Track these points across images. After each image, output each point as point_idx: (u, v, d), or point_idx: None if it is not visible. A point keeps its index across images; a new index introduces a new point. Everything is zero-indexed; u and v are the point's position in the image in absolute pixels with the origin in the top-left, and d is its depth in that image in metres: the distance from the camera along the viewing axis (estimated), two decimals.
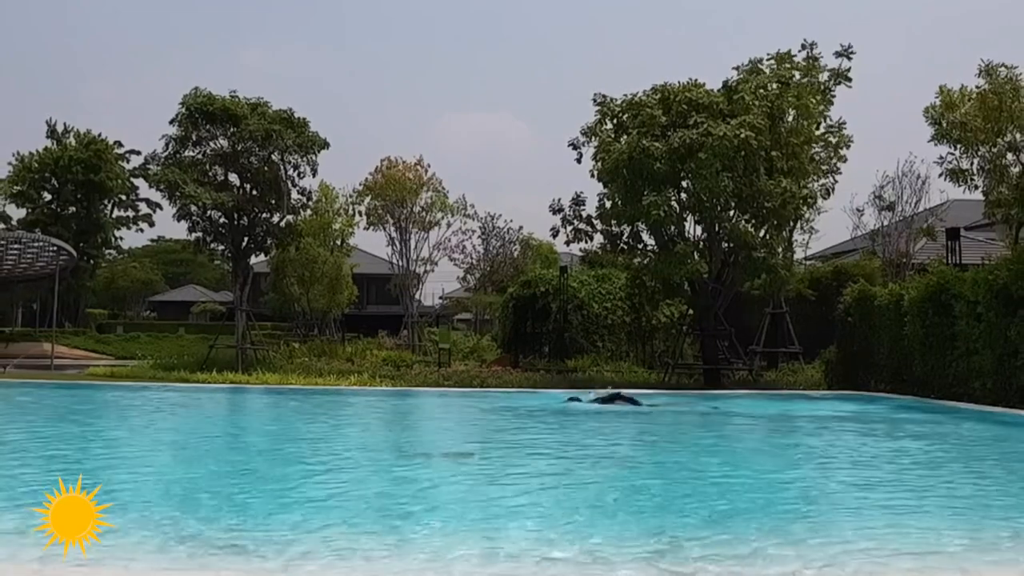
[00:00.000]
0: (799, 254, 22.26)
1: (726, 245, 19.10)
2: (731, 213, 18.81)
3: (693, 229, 19.61)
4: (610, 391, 15.61)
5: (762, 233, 18.92)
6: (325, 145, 24.54)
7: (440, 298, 48.53)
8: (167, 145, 23.73)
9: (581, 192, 20.62)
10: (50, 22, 75.20)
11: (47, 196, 42.86)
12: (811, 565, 4.66)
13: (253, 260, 26.55)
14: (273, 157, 24.09)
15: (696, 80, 19.43)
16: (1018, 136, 16.22)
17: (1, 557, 4.42)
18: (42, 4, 71.24)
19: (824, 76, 19.13)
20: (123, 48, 77.99)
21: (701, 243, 19.47)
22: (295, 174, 24.70)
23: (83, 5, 73.06)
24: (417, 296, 31.11)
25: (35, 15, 72.99)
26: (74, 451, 9.74)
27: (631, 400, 14.92)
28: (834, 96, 19.23)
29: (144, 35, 79.22)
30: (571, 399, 15.47)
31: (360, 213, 29.33)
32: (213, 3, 74.14)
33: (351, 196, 29.60)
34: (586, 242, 20.84)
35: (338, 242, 31.46)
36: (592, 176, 19.77)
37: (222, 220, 23.81)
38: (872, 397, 16.40)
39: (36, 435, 11.36)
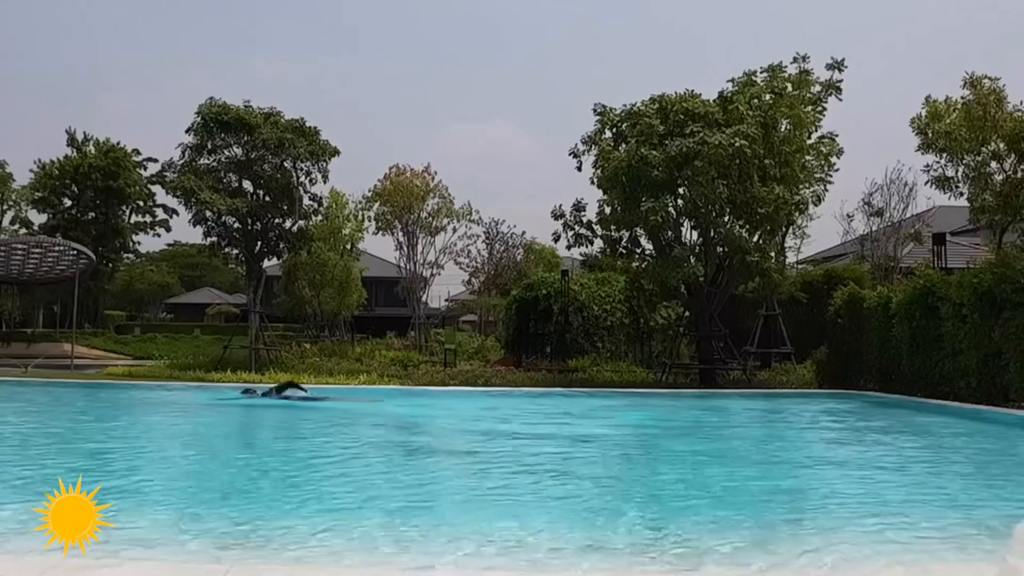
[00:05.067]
0: (791, 258, 22.76)
1: (721, 249, 19.48)
2: (726, 219, 19.18)
3: (689, 234, 20.01)
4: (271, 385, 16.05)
5: (756, 238, 19.35)
6: (336, 153, 25.22)
7: (446, 300, 49.11)
8: (183, 153, 24.46)
9: (581, 198, 20.98)
10: (68, 34, 76.72)
11: (67, 202, 43.93)
12: None
13: (266, 264, 27.26)
14: (286, 164, 24.76)
15: (692, 91, 19.82)
16: (1001, 145, 16.66)
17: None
18: (60, 17, 72.74)
19: (816, 88, 19.56)
20: (139, 59, 79.32)
21: (697, 248, 19.83)
22: (307, 181, 25.35)
23: (100, 18, 74.54)
24: (424, 298, 31.69)
25: (53, 28, 74.53)
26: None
27: (258, 393, 15.47)
28: (826, 106, 19.71)
29: (159, 46, 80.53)
30: (245, 391, 15.93)
31: (369, 218, 30.02)
32: (226, 16, 75.36)
33: (360, 202, 30.35)
34: (586, 246, 21.05)
35: (348, 246, 32.08)
36: (592, 183, 20.20)
37: (236, 225, 24.49)
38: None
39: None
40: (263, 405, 14.99)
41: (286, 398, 15.37)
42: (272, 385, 16.19)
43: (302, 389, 15.77)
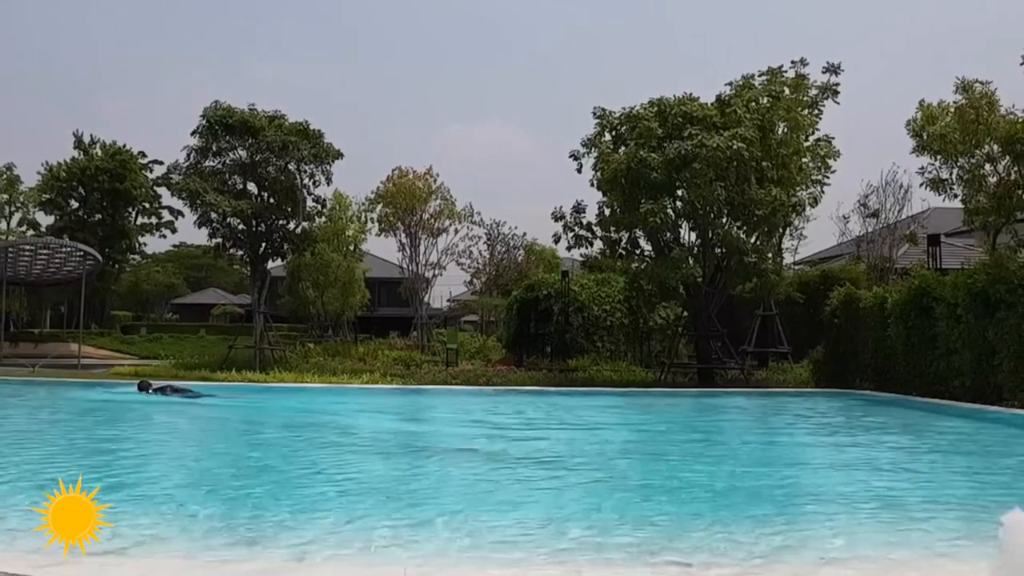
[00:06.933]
0: (788, 259, 22.98)
1: (719, 251, 19.70)
2: (724, 220, 19.42)
3: (688, 235, 20.24)
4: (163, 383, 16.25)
5: (753, 239, 19.57)
6: (339, 155, 25.48)
7: (448, 301, 49.36)
8: (189, 155, 24.72)
9: (581, 200, 21.18)
10: (68, 35, 77.06)
11: (74, 204, 44.27)
12: None
13: (270, 265, 27.52)
14: (290, 167, 25.02)
15: (691, 94, 20.04)
16: (995, 148, 16.85)
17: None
18: (60, 17, 73.15)
19: (813, 91, 19.77)
20: (139, 60, 79.61)
21: (695, 249, 20.05)
22: (310, 183, 25.60)
23: (101, 18, 74.96)
24: (426, 299, 31.90)
25: (53, 28, 74.95)
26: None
27: (185, 391, 15.63)
28: (823, 108, 19.91)
29: (158, 47, 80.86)
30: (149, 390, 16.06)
31: (372, 220, 30.28)
32: (226, 17, 75.78)
33: (363, 204, 30.64)
34: (586, 248, 21.29)
35: (351, 248, 32.37)
36: (592, 185, 20.44)
37: (241, 227, 24.76)
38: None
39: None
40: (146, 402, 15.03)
41: (169, 393, 15.46)
42: (167, 383, 16.34)
43: (188, 392, 15.77)
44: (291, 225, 25.63)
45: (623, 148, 20.01)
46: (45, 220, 45.35)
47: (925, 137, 17.61)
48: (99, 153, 44.83)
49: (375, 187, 28.76)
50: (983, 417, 12.94)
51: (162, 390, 15.80)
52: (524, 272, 34.44)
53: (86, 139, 45.50)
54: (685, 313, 22.02)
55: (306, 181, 25.47)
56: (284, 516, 5.85)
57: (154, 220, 50.29)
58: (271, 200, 25.09)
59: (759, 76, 20.05)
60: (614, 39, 79.84)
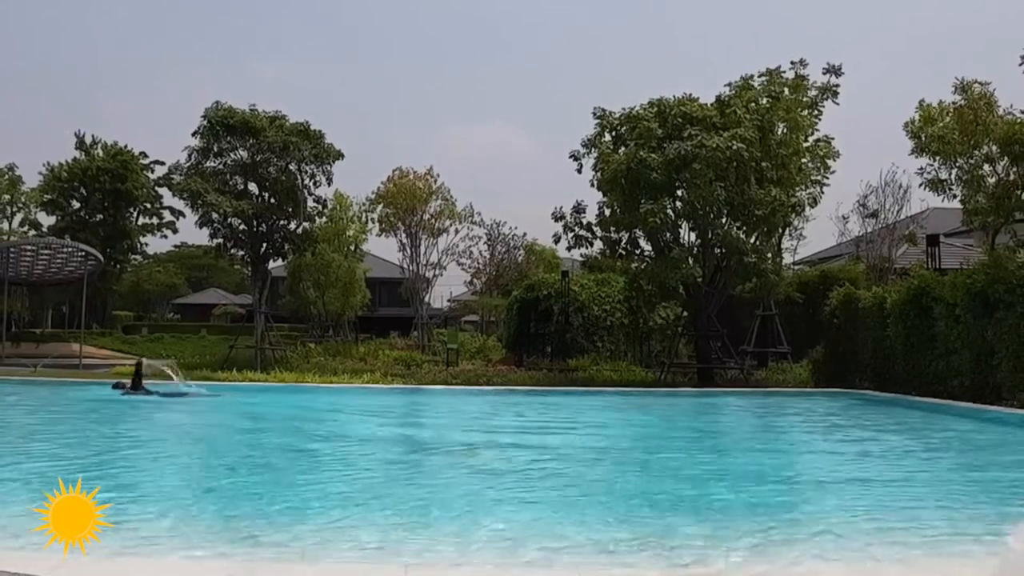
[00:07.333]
0: (788, 259, 23.02)
1: (719, 251, 19.73)
2: (723, 220, 19.44)
3: (688, 236, 20.26)
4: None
5: (753, 239, 19.59)
6: (340, 156, 25.57)
7: (448, 301, 49.42)
8: (190, 156, 24.87)
9: (581, 200, 21.22)
10: (68, 35, 77.26)
11: (76, 204, 44.48)
12: None
13: (271, 265, 27.63)
14: (290, 167, 25.13)
15: (690, 95, 20.08)
16: (994, 148, 16.89)
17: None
18: (60, 17, 73.32)
19: (812, 92, 19.79)
20: (139, 60, 79.89)
21: (695, 249, 20.07)
22: (311, 183, 25.73)
23: (100, 18, 75.17)
24: (426, 299, 31.95)
25: (54, 28, 75.13)
26: None
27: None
28: (823, 108, 19.93)
29: (158, 48, 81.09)
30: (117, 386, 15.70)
31: (373, 220, 30.35)
32: (226, 17, 76.07)
33: (364, 204, 30.72)
34: (586, 248, 21.32)
35: (352, 248, 32.45)
36: (592, 185, 20.48)
37: (242, 227, 24.88)
38: None
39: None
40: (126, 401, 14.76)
41: (146, 392, 14.71)
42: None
43: (172, 375, 15.02)
44: (292, 225, 25.72)
45: (623, 148, 20.03)
46: (47, 220, 45.61)
47: (923, 138, 17.64)
48: (100, 153, 45.01)
49: (375, 187, 28.90)
50: (982, 417, 12.97)
51: (134, 387, 15.37)
52: (524, 272, 34.52)
53: (87, 139, 45.64)
54: (685, 313, 22.04)
55: (307, 181, 25.59)
56: (284, 515, 5.89)
57: (155, 220, 50.47)
58: (272, 200, 25.18)
59: (759, 77, 20.08)
60: (614, 39, 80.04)
